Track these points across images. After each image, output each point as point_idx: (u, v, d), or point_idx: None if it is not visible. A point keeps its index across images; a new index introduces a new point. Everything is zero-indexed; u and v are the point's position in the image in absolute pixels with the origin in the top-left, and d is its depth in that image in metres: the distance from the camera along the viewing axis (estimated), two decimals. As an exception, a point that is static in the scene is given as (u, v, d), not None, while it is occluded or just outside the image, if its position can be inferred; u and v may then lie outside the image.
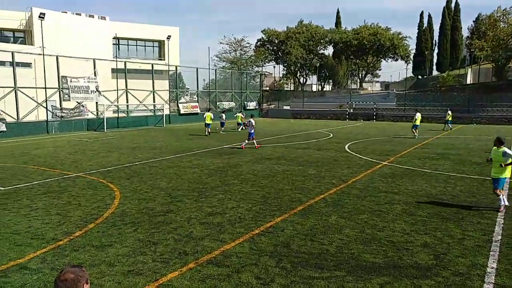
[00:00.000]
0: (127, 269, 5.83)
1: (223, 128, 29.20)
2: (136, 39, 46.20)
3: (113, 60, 37.95)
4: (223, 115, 30.32)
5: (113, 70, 37.27)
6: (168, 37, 42.34)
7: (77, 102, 32.24)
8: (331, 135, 26.33)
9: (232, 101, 50.14)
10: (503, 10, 46.34)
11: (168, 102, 42.19)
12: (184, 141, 23.43)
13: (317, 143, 21.67)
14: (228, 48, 70.07)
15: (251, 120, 20.18)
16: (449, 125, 29.81)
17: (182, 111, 42.47)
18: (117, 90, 36.07)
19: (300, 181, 11.73)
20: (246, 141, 19.81)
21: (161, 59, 46.44)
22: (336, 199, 9.67)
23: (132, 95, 37.71)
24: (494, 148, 9.03)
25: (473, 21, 65.91)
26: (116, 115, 36.25)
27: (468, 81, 55.71)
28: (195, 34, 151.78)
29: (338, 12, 79.01)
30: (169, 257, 6.22)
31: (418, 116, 24.84)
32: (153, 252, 6.42)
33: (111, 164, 15.09)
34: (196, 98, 47.54)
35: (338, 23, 77.07)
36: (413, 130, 24.26)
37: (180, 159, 16.24)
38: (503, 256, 6.24)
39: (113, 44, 43.24)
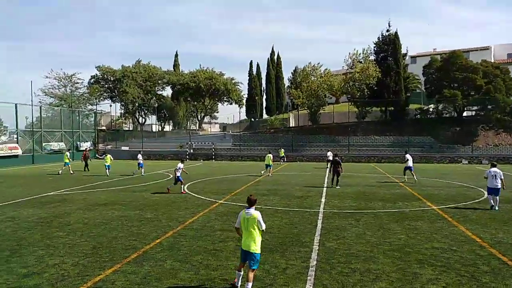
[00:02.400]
0: None
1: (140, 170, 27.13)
2: None
3: None
4: (140, 155, 28.07)
5: None
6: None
7: None
8: (171, 175, 26.21)
9: (62, 141, 45.43)
10: (312, 65, 55.34)
11: (-24, 143, 35.54)
12: (-3, 189, 19.91)
13: (156, 185, 21.25)
14: (56, 83, 63.90)
15: (180, 164, 18.45)
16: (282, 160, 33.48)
17: (-4, 154, 36.28)
18: None
19: (136, 227, 11.22)
20: (181, 186, 18.49)
21: (-33, 93, 39.21)
22: (173, 242, 9.56)
23: None
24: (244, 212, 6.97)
25: (292, 72, 76.52)
26: None
27: (291, 124, 63.61)
28: (12, 64, 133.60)
29: (176, 55, 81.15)
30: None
31: (269, 156, 26.79)
32: None
33: None
34: (16, 138, 41.38)
35: (176, 65, 79.06)
36: (267, 169, 26.65)
37: (-11, 211, 13.67)
38: (317, 279, 7.14)
39: None
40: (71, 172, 28.04)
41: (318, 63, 55.69)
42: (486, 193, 15.77)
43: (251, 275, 6.47)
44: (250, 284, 6.37)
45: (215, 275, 7.37)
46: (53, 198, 16.75)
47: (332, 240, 9.81)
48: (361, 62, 51.33)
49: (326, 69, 55.37)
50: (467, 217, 12.57)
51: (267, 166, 26.73)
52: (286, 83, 78.64)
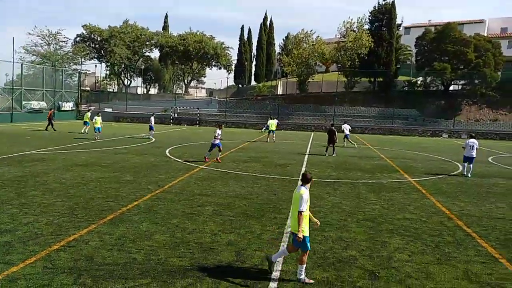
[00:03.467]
0: None
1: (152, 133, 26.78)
2: None
3: None
4: (152, 118, 27.40)
5: None
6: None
7: None
8: (153, 139, 26.03)
9: (43, 100, 44.33)
10: (305, 32, 54.43)
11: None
12: (-26, 146, 19.50)
13: (138, 148, 21.10)
14: (39, 41, 61.65)
15: (218, 130, 17.13)
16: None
17: (-27, 110, 35.30)
18: None
19: (114, 189, 11.18)
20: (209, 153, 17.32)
21: None
22: (150, 205, 9.58)
23: None
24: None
25: (283, 39, 75.21)
26: None
27: (279, 92, 63.22)
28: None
29: (166, 16, 78.69)
30: None
31: (271, 122, 28.31)
32: None
33: None
34: (-5, 95, 40.24)
35: (165, 27, 76.83)
36: (270, 134, 27.90)
37: (-36, 168, 13.42)
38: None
39: None
40: (85, 131, 28.33)
41: (311, 30, 54.88)
42: (461, 167, 16.31)
43: (301, 258, 5.91)
44: (300, 266, 5.88)
45: (190, 238, 7.44)
46: (30, 157, 16.48)
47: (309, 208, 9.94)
48: (354, 31, 50.63)
49: (318, 36, 54.61)
50: (439, 190, 12.91)
51: (271, 131, 27.83)
52: (277, 49, 77.48)
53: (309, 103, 51.04)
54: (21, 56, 57.23)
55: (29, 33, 62.55)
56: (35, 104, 42.70)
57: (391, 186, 13.33)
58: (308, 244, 5.91)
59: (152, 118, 27.31)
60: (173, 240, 7.31)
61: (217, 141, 16.86)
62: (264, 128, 29.27)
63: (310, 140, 30.57)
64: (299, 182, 6.23)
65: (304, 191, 5.88)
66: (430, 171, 17.03)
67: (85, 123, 28.92)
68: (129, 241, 7.13)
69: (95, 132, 24.85)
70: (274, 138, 27.88)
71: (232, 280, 5.78)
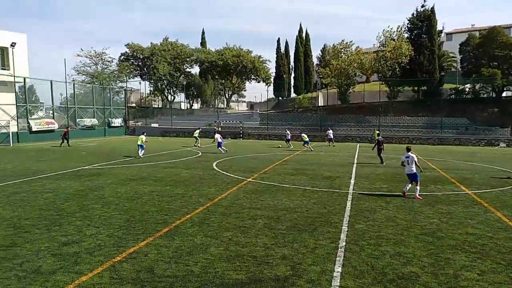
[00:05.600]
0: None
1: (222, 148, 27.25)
2: (-31, 45, 39.46)
3: None
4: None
5: None
6: (13, 45, 37.28)
7: None
8: (200, 153, 26.58)
9: (94, 117, 46.73)
10: (345, 43, 53.98)
11: (16, 118, 37.04)
12: (36, 162, 20.83)
13: (186, 162, 21.62)
14: (87, 61, 65.33)
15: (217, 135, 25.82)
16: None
17: (34, 128, 37.75)
18: None
19: (167, 202, 11.50)
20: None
21: (4, 69, 40.61)
22: (203, 218, 9.75)
23: (-33, 110, 32.12)
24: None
25: (321, 50, 74.90)
26: None
27: (320, 103, 62.78)
28: (48, 45, 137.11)
29: (203, 32, 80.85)
30: (10, 300, 5.39)
31: (304, 135, 31.56)
32: (-11, 296, 5.49)
33: None
34: (52, 114, 42.90)
35: (203, 42, 78.87)
36: (305, 145, 30.57)
37: (30, 183, 14.36)
38: (346, 260, 7.11)
39: None
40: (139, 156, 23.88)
41: (351, 41, 54.32)
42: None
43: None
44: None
45: (244, 251, 7.48)
46: (87, 171, 17.38)
47: (361, 221, 9.72)
48: (394, 40, 49.57)
49: (358, 46, 53.96)
50: (504, 203, 12.10)
51: (306, 142, 30.56)
52: (315, 61, 77.16)
53: (352, 114, 50.22)
54: (73, 78, 60.88)
55: (78, 54, 66.42)
56: (87, 121, 45.10)
57: (448, 199, 12.73)
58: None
59: (218, 136, 28.17)
60: (228, 253, 7.38)
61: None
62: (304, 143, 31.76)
63: (357, 152, 29.98)
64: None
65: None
66: (490, 182, 16.09)
67: (140, 146, 24.01)
68: (185, 254, 7.27)
69: (138, 150, 23.82)
70: (311, 147, 30.68)
71: (291, 294, 5.73)
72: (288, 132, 35.15)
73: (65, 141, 31.89)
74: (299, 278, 6.31)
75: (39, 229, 8.65)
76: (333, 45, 55.63)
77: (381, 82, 53.40)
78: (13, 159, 22.17)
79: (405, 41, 48.42)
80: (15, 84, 38.49)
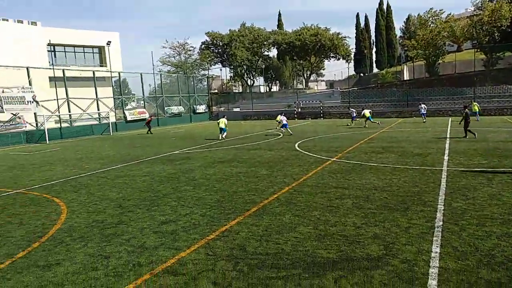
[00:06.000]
0: (77, 287, 5.54)
1: (285, 130, 27.04)
2: (74, 46, 44.12)
3: (49, 68, 36.01)
4: (281, 116, 28.28)
5: (51, 79, 35.36)
6: (108, 43, 40.87)
7: (12, 114, 30.23)
8: (281, 135, 26.75)
9: (180, 105, 49.43)
10: (433, 11, 49.68)
11: (114, 109, 40.75)
12: (133, 148, 22.74)
13: (268, 144, 21.92)
14: (171, 52, 69.00)
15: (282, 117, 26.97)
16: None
17: (129, 118, 41.27)
18: (57, 99, 34.28)
19: (253, 183, 11.79)
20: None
21: (102, 66, 44.71)
22: (289, 198, 9.82)
23: (74, 104, 36.05)
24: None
25: (404, 22, 70.00)
26: (58, 125, 34.47)
27: (405, 77, 59.04)
28: (137, 40, 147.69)
29: (279, 15, 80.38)
30: (122, 270, 5.99)
31: (366, 112, 30.52)
32: (105, 267, 6.16)
33: (55, 177, 14.29)
34: (143, 104, 46.40)
35: (280, 25, 78.41)
36: (371, 121, 30.56)
37: (129, 167, 15.73)
38: (445, 240, 6.65)
39: (48, 51, 40.99)
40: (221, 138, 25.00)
41: (441, 10, 49.85)
42: None
43: None
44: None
45: (333, 230, 7.38)
46: (178, 156, 18.52)
47: (459, 200, 9.00)
48: (492, 2, 44.32)
49: (450, 13, 49.34)
50: None
51: (368, 118, 30.15)
52: (398, 33, 72.46)
53: (441, 86, 46.40)
54: (159, 69, 64.87)
55: (163, 46, 70.60)
56: (174, 109, 47.88)
57: None
58: None
59: (283, 117, 27.43)
60: (317, 232, 7.34)
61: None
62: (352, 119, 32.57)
63: (449, 127, 27.76)
64: None
65: None
66: None
67: (222, 129, 25.19)
68: (275, 233, 7.40)
69: (220, 133, 24.90)
70: (370, 122, 30.58)
71: (385, 274, 5.53)
72: (353, 109, 34.17)
73: (149, 128, 34.30)
74: (393, 258, 6.06)
75: (141, 209, 9.45)
76: (418, 14, 51.60)
77: (476, 50, 48.35)
78: (113, 146, 24.46)
79: (505, 2, 43.03)
80: (112, 79, 42.28)
